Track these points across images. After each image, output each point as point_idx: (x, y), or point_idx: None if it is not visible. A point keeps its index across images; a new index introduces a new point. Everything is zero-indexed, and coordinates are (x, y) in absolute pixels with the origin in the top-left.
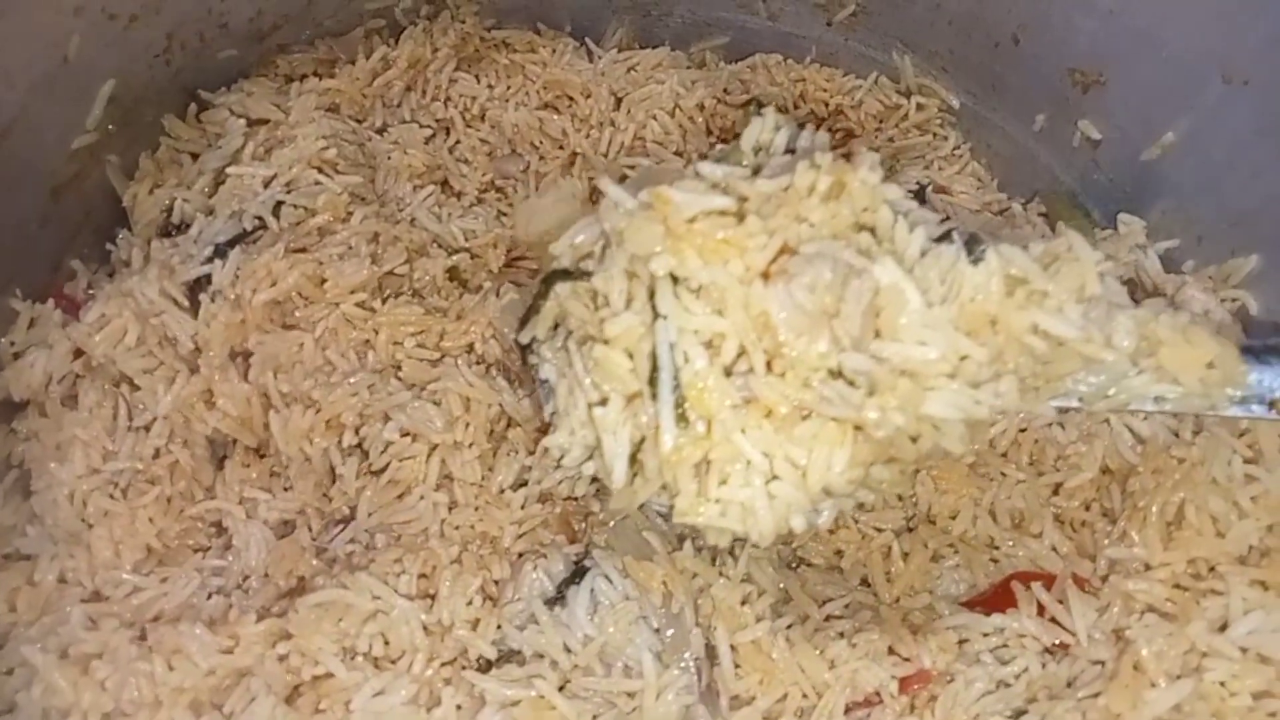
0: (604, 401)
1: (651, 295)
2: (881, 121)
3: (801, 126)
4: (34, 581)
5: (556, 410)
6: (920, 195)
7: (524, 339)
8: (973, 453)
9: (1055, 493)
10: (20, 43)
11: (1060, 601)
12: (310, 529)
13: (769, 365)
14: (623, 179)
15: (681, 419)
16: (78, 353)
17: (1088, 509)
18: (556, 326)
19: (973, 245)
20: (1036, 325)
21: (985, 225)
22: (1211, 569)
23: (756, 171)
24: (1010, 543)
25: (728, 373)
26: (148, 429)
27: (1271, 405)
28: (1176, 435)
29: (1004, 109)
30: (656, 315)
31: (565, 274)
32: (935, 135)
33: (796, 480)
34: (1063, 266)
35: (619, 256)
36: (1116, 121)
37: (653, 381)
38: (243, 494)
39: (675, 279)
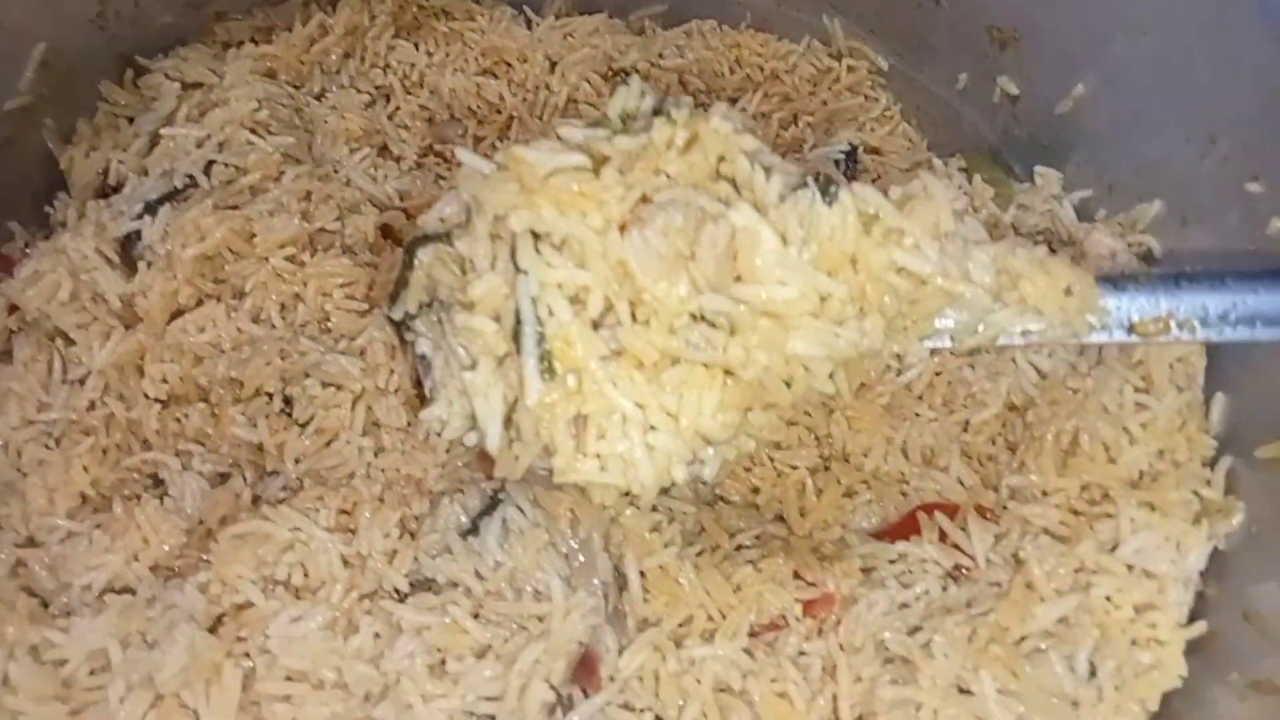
0: (474, 365)
1: (513, 253)
2: (815, 85)
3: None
4: None
5: (434, 384)
6: (853, 156)
7: (396, 315)
8: (888, 394)
9: (964, 430)
10: None
11: (962, 529)
12: (245, 478)
13: (634, 315)
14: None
15: (549, 372)
16: (12, 308)
17: (993, 443)
18: (432, 302)
19: (827, 186)
20: (894, 262)
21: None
22: (1105, 494)
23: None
24: (919, 477)
25: (595, 325)
26: (82, 382)
27: (1131, 329)
28: (1074, 369)
29: (929, 69)
30: (518, 271)
31: (427, 239)
32: (866, 97)
33: (673, 429)
34: (918, 205)
35: (481, 221)
36: (1031, 77)
37: (517, 337)
38: (177, 446)
39: (536, 235)
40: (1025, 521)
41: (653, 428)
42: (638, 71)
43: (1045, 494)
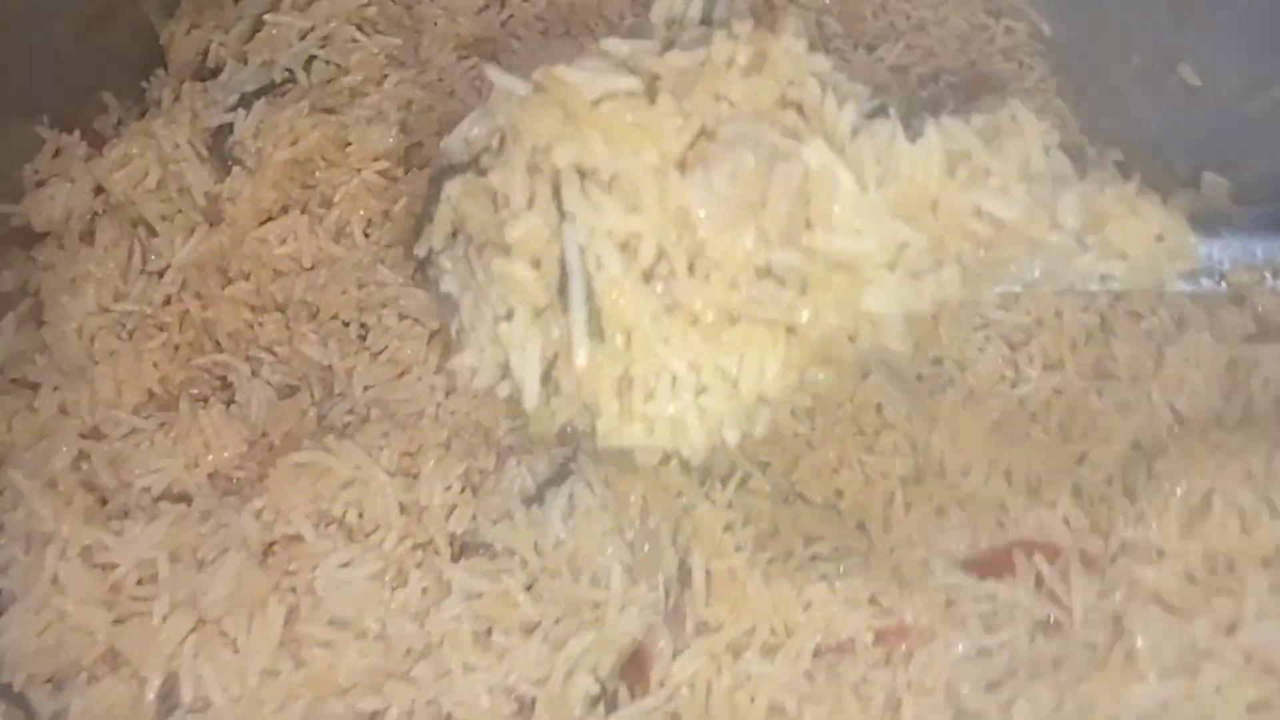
0: (510, 315)
1: (556, 192)
2: (965, 42)
3: None
4: (34, 408)
5: (461, 327)
6: None
7: (420, 251)
8: (999, 409)
9: (1079, 462)
10: None
11: (1062, 576)
12: (313, 395)
13: (691, 267)
14: None
15: (596, 332)
16: (98, 189)
17: (1110, 484)
18: (455, 234)
19: (910, 120)
20: (980, 207)
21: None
22: (1231, 567)
23: (669, 47)
24: (1021, 507)
25: (647, 277)
26: (160, 275)
27: (1222, 279)
28: (1220, 420)
29: (1098, 42)
30: (563, 215)
31: (454, 170)
32: (1021, 64)
33: (727, 390)
34: (1005, 141)
35: (517, 151)
36: (1219, 67)
37: (562, 291)
38: (249, 352)
39: (582, 172)
40: (1135, 582)
41: (704, 389)
42: (773, 8)
43: (1162, 555)
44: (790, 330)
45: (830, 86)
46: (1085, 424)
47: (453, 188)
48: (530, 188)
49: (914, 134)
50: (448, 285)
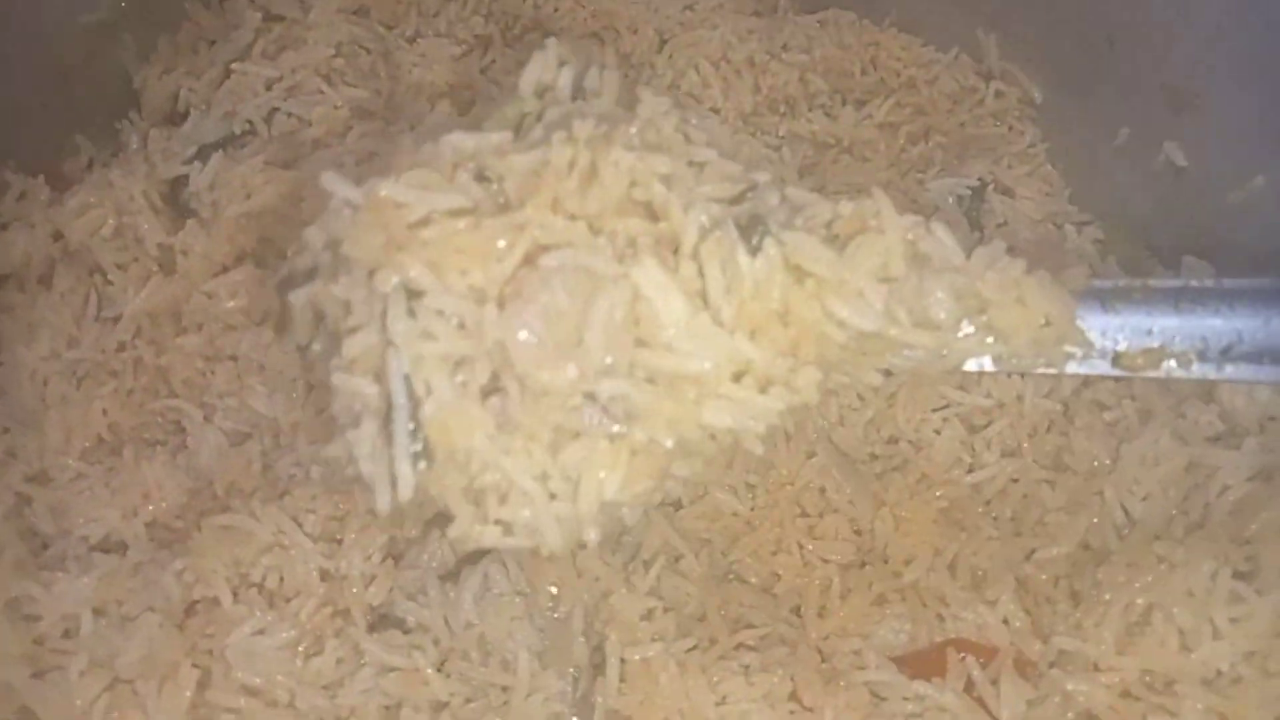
0: (357, 423)
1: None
2: (955, 103)
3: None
4: None
5: (334, 417)
6: (980, 193)
7: (287, 347)
8: (949, 498)
9: (1027, 558)
10: None
11: (994, 682)
12: (263, 444)
13: (522, 388)
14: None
15: (425, 456)
16: (58, 235)
17: (1055, 585)
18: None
19: (750, 231)
20: (832, 314)
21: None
22: (1169, 686)
23: (532, 124)
24: (962, 603)
25: (485, 394)
26: (115, 321)
27: (1116, 360)
28: (1170, 526)
29: (1088, 113)
30: (389, 343)
31: (300, 278)
32: (1011, 128)
33: (576, 500)
34: (865, 242)
35: (354, 266)
36: (1205, 151)
37: (388, 417)
38: (202, 399)
39: (412, 292)
40: (1068, 695)
41: (554, 496)
42: (754, 65)
43: (1098, 668)
44: (633, 449)
45: (676, 189)
46: (1036, 519)
47: (298, 297)
48: (369, 302)
49: (754, 248)
50: (319, 373)
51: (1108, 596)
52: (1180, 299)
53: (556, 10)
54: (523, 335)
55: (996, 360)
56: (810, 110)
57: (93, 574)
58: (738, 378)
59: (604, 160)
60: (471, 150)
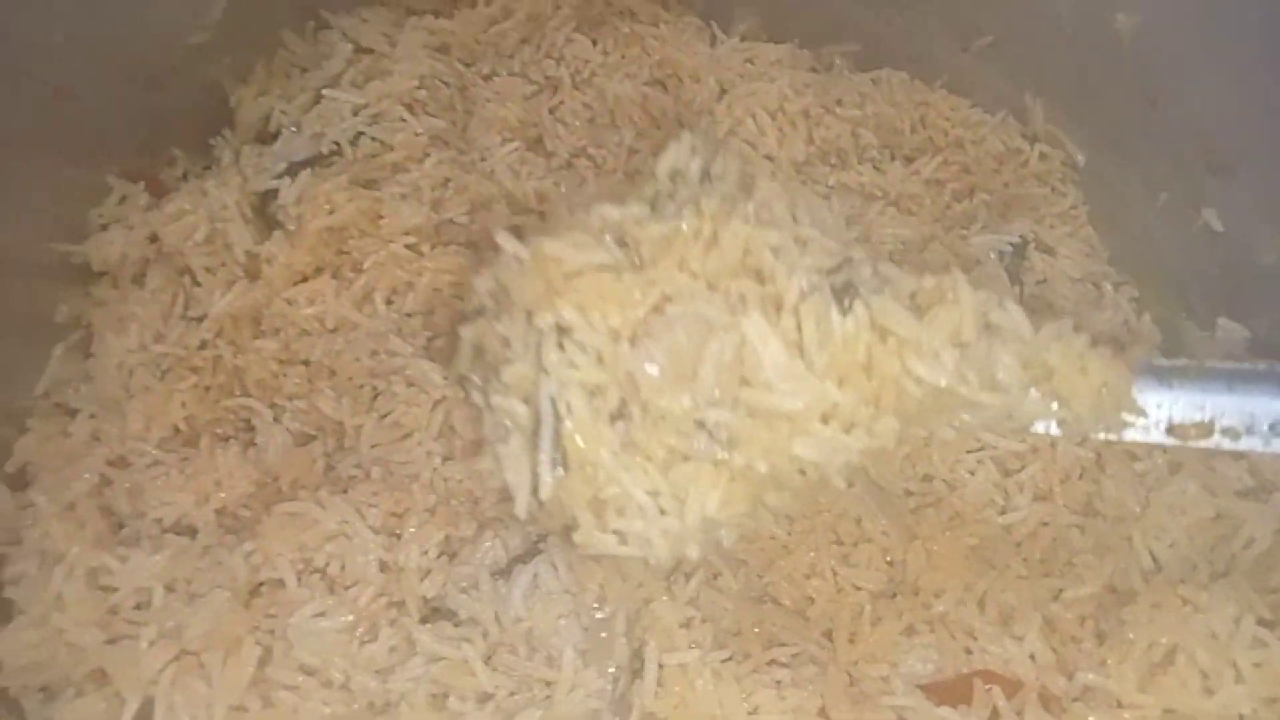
0: (506, 439)
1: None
2: (1000, 163)
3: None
4: (68, 433)
5: (484, 436)
6: (1022, 250)
7: (451, 377)
8: (980, 536)
9: (1054, 598)
10: None
11: (1018, 713)
12: (325, 446)
13: (644, 414)
14: None
15: (563, 464)
16: (153, 238)
17: (1082, 624)
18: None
19: (843, 295)
20: (909, 370)
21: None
22: None
23: (667, 201)
24: (989, 637)
25: (613, 419)
26: (199, 321)
27: (1170, 430)
28: (1195, 572)
29: (1129, 177)
30: (542, 369)
31: (474, 314)
32: (1054, 189)
33: (683, 515)
34: (940, 312)
35: (516, 309)
36: (1242, 216)
37: (536, 432)
38: (272, 399)
39: (561, 329)
40: None
41: (664, 511)
42: (808, 118)
43: (1121, 705)
44: (733, 474)
45: (783, 257)
46: (1065, 560)
47: (468, 332)
48: (525, 337)
49: (845, 309)
50: (476, 398)
51: (1131, 636)
52: (1233, 379)
53: (624, 57)
54: (648, 368)
55: (1061, 424)
56: (860, 163)
57: (164, 553)
58: (825, 419)
59: (724, 230)
60: (616, 220)
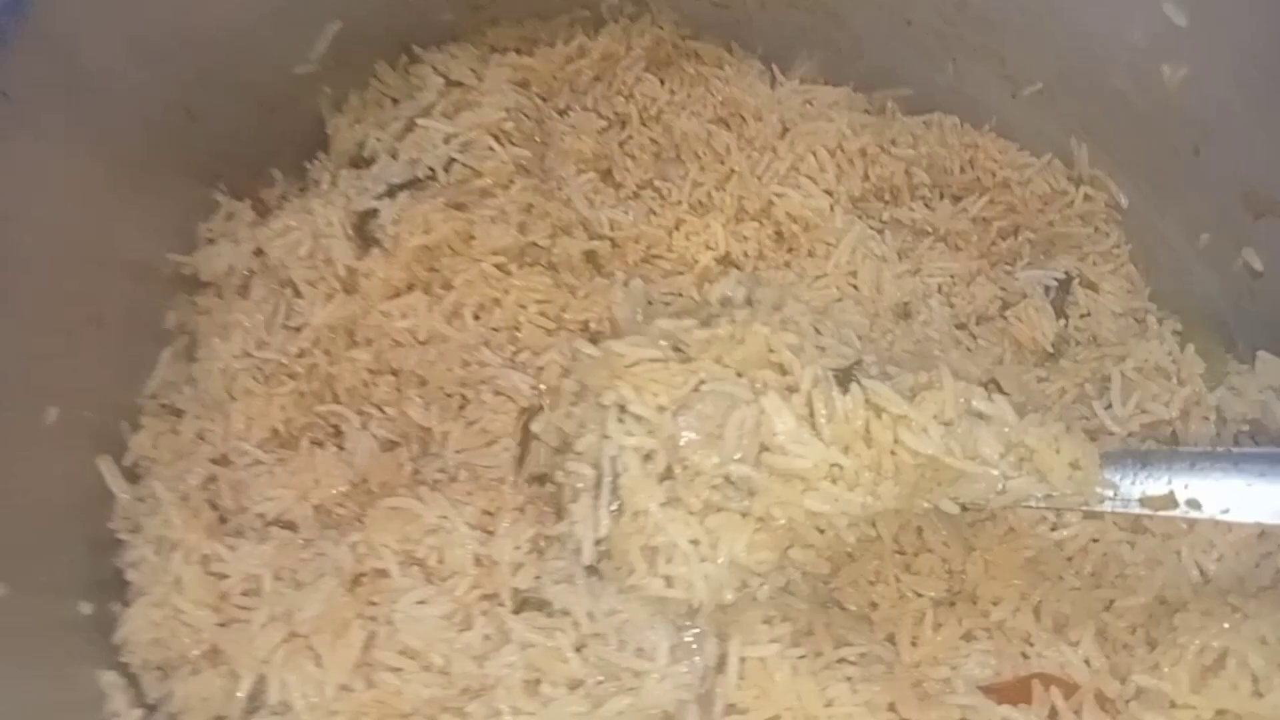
0: (576, 499)
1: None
2: (1045, 204)
3: None
4: (177, 431)
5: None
6: (1066, 285)
7: (521, 478)
8: (1036, 548)
9: (1106, 608)
10: None
11: (1076, 713)
12: (411, 451)
13: (684, 472)
14: None
15: (619, 513)
16: (258, 251)
17: (1133, 633)
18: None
19: (844, 380)
20: (901, 441)
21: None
22: None
23: (707, 323)
24: (1045, 643)
25: (661, 479)
26: (299, 330)
27: (1143, 501)
28: (1242, 583)
29: (1171, 218)
30: (605, 436)
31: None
32: (1097, 229)
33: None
34: (928, 395)
35: (588, 395)
36: None
37: (598, 486)
38: (361, 407)
39: (621, 407)
40: None
41: (703, 560)
42: (865, 156)
43: (1174, 706)
44: (760, 521)
45: (801, 354)
46: (1116, 572)
47: (537, 424)
48: (594, 415)
49: (844, 389)
50: (559, 477)
51: (1182, 640)
52: (1197, 460)
53: (690, 96)
54: (686, 433)
55: (1046, 499)
56: (912, 200)
57: (270, 543)
58: (833, 479)
59: (749, 332)
60: (670, 329)
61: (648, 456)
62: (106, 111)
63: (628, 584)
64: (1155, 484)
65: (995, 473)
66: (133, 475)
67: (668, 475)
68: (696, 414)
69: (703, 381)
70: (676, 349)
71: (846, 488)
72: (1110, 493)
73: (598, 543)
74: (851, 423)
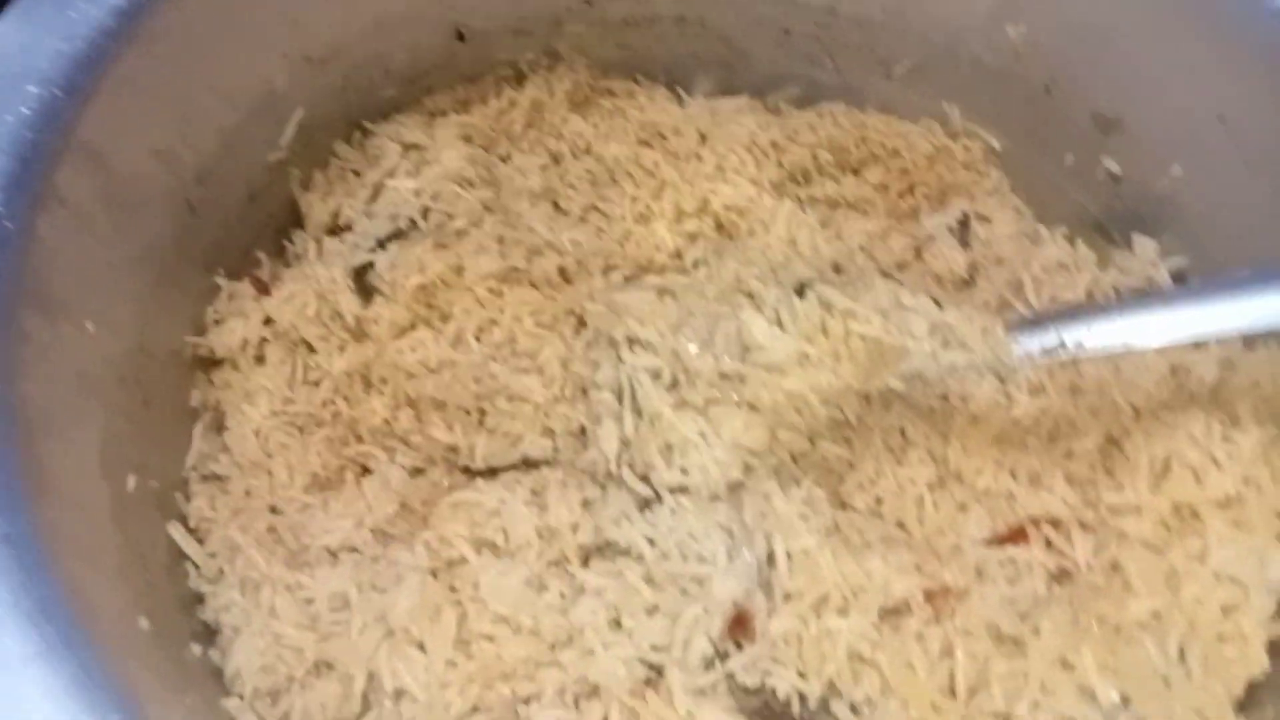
0: (599, 421)
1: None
2: (932, 161)
3: None
4: (227, 491)
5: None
6: (965, 223)
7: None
8: (998, 426)
9: (1067, 457)
10: (245, 77)
11: (1067, 539)
12: (440, 469)
13: (689, 379)
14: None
15: (638, 417)
16: (268, 320)
17: (1094, 469)
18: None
19: (800, 291)
20: (849, 330)
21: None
22: (1195, 513)
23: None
24: (1026, 495)
25: (669, 388)
26: (317, 384)
27: (1046, 353)
28: (1168, 406)
29: (1038, 150)
30: (621, 362)
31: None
32: (980, 173)
33: (723, 446)
34: (865, 294)
35: (605, 340)
36: (1132, 158)
37: (620, 400)
38: (385, 443)
39: (630, 339)
40: (1122, 533)
41: (710, 446)
42: (777, 148)
43: (1140, 509)
44: (751, 407)
45: (766, 282)
46: (1067, 428)
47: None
48: (609, 352)
49: (801, 294)
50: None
51: (1132, 457)
52: (1076, 312)
53: (612, 126)
54: (686, 344)
55: (969, 365)
56: (821, 178)
57: (344, 564)
58: (802, 365)
59: (721, 271)
60: (658, 282)
61: (656, 373)
62: (137, 213)
63: (654, 480)
64: (1048, 337)
65: (927, 348)
66: (198, 537)
67: (674, 384)
68: (691, 329)
69: (691, 312)
70: (665, 292)
71: (814, 369)
72: (1017, 348)
73: (623, 447)
74: (810, 319)
